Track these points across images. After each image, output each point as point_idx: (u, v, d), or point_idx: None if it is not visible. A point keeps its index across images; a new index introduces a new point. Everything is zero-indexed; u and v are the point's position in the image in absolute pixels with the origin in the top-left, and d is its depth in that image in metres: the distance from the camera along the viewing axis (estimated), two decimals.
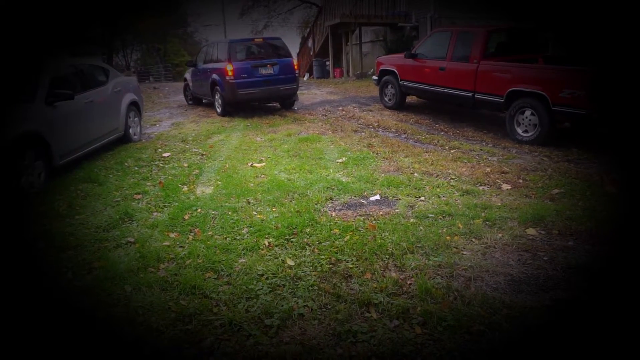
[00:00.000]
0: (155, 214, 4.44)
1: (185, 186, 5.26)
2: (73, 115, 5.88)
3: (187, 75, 12.03)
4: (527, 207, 4.10)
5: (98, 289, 3.02)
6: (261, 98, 10.08)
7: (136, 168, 6.10)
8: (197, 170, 5.91)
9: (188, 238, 3.81)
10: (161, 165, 6.28)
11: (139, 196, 4.93)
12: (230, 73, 9.26)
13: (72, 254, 3.57)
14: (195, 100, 11.92)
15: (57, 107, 5.51)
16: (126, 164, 6.27)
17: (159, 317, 2.68)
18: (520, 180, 5.00)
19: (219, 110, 10.11)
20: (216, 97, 10.05)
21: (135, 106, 7.97)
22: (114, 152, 6.94)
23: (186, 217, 4.24)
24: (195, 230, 3.94)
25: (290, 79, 9.90)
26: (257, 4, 29.62)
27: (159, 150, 7.13)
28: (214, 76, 9.83)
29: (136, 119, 8.04)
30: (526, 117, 6.64)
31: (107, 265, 3.32)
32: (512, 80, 6.81)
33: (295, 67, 10.05)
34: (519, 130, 6.77)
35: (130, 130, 7.73)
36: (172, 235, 3.87)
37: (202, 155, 6.78)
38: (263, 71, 9.59)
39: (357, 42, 17.94)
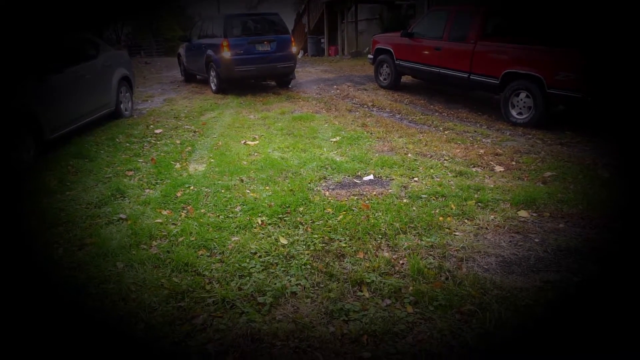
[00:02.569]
0: (147, 190, 4.40)
1: (177, 163, 5.21)
2: (63, 89, 5.77)
3: (181, 51, 11.74)
4: (520, 190, 4.11)
5: (90, 265, 3.01)
6: (258, 75, 9.87)
7: (128, 144, 6.03)
8: (189, 148, 5.85)
9: (181, 215, 3.79)
10: (153, 141, 6.21)
11: (131, 172, 4.89)
12: (226, 49, 8.99)
13: (62, 230, 3.55)
14: (189, 77, 11.69)
15: (46, 80, 5.40)
16: (118, 139, 6.19)
17: (152, 294, 2.68)
18: (514, 163, 5.01)
19: (213, 87, 9.89)
20: (211, 73, 9.81)
21: (126, 81, 7.83)
22: (105, 128, 6.84)
23: (179, 195, 4.22)
24: (188, 207, 3.92)
25: (288, 57, 9.66)
26: None
27: (151, 126, 7.04)
28: (209, 52, 9.57)
29: (127, 94, 7.91)
30: (521, 100, 6.63)
31: (98, 242, 3.30)
32: (508, 62, 6.77)
33: (293, 43, 9.81)
34: (514, 113, 6.76)
35: (122, 106, 7.61)
36: (164, 212, 3.85)
37: (194, 132, 6.71)
38: (260, 48, 9.32)
39: (352, 19, 17.68)
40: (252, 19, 9.89)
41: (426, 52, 8.28)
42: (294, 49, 9.81)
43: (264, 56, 9.35)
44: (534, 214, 3.68)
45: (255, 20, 9.84)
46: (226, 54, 9.02)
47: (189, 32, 11.44)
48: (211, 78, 9.90)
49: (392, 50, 9.16)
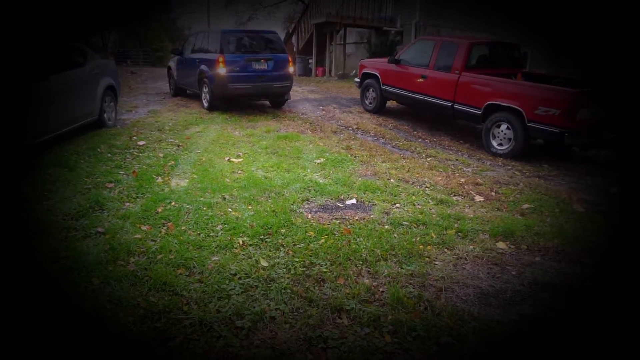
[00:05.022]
0: (127, 204, 4.34)
1: (159, 177, 5.16)
2: (47, 96, 5.68)
3: (172, 64, 11.46)
4: (498, 221, 4.19)
5: (64, 280, 2.94)
6: (253, 94, 9.65)
7: (109, 155, 5.94)
8: (172, 162, 5.80)
9: (160, 232, 3.74)
10: (135, 153, 6.14)
11: (111, 185, 4.81)
12: (221, 65, 8.79)
13: (37, 242, 3.45)
14: (179, 91, 11.40)
15: (31, 85, 5.31)
16: (99, 149, 6.10)
17: (127, 313, 2.62)
18: (493, 193, 5.11)
19: (205, 104, 9.63)
20: (204, 90, 9.57)
21: (111, 90, 7.76)
22: (87, 137, 6.74)
23: (159, 210, 4.16)
24: (168, 224, 3.87)
25: (285, 76, 9.49)
26: None
27: (134, 137, 6.96)
28: (203, 67, 9.37)
29: (112, 103, 7.83)
30: (502, 131, 6.80)
31: (74, 256, 3.23)
32: (491, 94, 6.96)
33: (290, 63, 9.64)
34: (494, 143, 6.92)
35: (105, 115, 7.52)
36: (144, 227, 3.79)
37: (178, 146, 6.66)
38: (257, 66, 9.15)
39: (341, 42, 17.97)
40: (249, 36, 9.66)
41: (412, 80, 8.44)
42: (291, 69, 9.63)
43: (260, 75, 9.16)
44: (512, 246, 3.75)
45: (252, 38, 9.62)
46: (221, 70, 8.82)
47: (182, 46, 11.16)
48: (203, 94, 9.66)
49: (378, 75, 9.32)
